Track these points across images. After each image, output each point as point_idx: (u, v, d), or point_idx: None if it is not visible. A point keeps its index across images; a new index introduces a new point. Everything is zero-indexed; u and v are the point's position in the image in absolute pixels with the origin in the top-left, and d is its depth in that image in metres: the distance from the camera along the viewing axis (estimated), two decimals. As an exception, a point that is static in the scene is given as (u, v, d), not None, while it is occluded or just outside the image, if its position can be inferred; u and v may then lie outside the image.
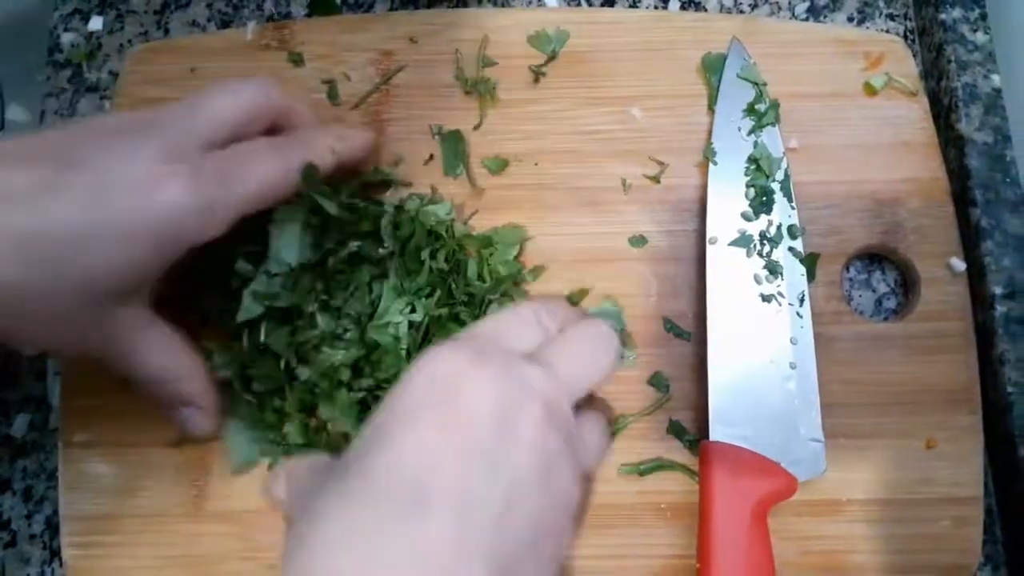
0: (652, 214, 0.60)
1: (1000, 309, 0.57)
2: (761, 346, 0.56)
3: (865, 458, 0.56)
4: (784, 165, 0.59)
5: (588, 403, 0.42)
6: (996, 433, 0.57)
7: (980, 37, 0.63)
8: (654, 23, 0.64)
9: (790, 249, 0.57)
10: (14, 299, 0.44)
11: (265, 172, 0.50)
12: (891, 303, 0.61)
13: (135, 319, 0.49)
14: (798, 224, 0.58)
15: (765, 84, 0.61)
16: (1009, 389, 0.56)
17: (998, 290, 0.57)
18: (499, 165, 0.61)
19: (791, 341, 0.56)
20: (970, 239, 0.59)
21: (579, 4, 0.68)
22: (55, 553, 0.57)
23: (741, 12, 0.68)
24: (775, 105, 0.61)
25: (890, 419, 0.57)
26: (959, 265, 0.59)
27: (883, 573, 0.55)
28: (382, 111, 0.62)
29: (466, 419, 0.36)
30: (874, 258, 0.62)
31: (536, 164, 0.61)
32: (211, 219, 0.48)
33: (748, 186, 0.59)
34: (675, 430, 0.57)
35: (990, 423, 0.57)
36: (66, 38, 0.67)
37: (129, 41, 0.67)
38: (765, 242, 0.57)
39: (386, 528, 0.34)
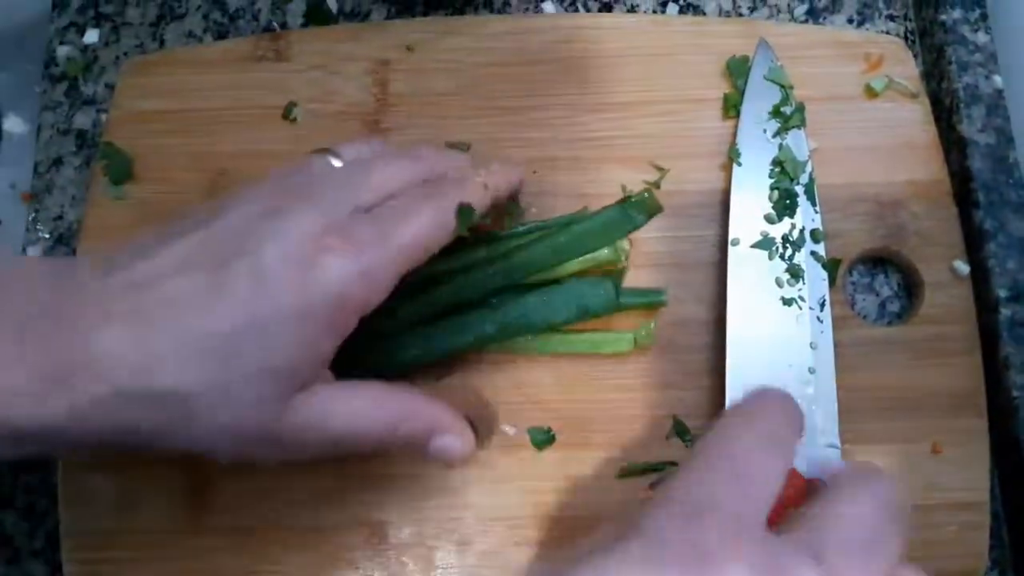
0: (654, 220, 0.60)
1: (1004, 312, 0.57)
2: (780, 350, 0.55)
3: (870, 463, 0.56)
4: (809, 168, 0.59)
5: None
6: (1002, 437, 0.57)
7: (981, 38, 0.63)
8: (653, 28, 0.64)
9: (812, 253, 0.57)
10: (197, 407, 0.43)
11: (420, 224, 0.47)
12: (895, 307, 0.61)
13: (320, 394, 0.46)
14: (821, 228, 0.58)
15: (792, 87, 0.61)
16: (1014, 393, 0.56)
17: (1002, 293, 0.57)
18: None
19: (811, 346, 0.55)
20: (973, 242, 0.59)
21: (577, 10, 0.68)
22: (57, 569, 0.57)
23: (740, 15, 0.67)
24: (801, 108, 0.60)
25: (895, 424, 0.56)
26: (963, 268, 0.58)
27: (890, 580, 0.54)
28: (380, 120, 0.62)
29: None
30: (877, 262, 0.61)
31: (535, 172, 0.61)
32: (374, 284, 0.46)
33: (772, 188, 0.58)
34: (679, 430, 0.56)
35: (996, 427, 0.56)
36: (62, 51, 0.67)
37: (125, 53, 0.67)
38: (788, 245, 0.57)
39: None
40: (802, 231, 0.57)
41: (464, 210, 0.50)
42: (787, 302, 0.56)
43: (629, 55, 0.63)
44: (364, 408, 0.47)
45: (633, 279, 0.59)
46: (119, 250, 0.46)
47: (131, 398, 0.42)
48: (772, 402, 0.44)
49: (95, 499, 0.56)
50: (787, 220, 0.58)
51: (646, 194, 0.55)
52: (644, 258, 0.59)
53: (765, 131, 0.60)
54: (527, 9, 0.68)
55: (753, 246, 0.57)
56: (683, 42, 0.63)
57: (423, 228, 0.48)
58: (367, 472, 0.56)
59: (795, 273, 0.57)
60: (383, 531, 0.55)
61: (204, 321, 0.42)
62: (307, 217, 0.45)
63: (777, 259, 0.57)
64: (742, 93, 0.61)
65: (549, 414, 0.57)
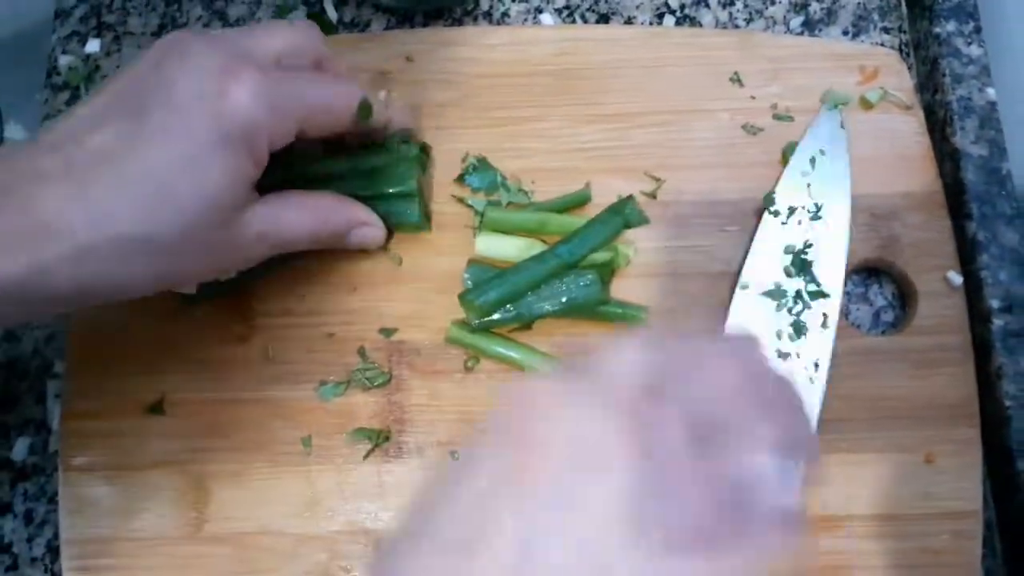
0: (650, 230, 0.60)
1: (997, 323, 0.57)
2: None
3: (864, 473, 0.56)
4: (845, 233, 0.59)
5: None
6: (995, 447, 0.57)
7: (975, 50, 0.63)
8: (650, 39, 0.65)
9: (824, 315, 0.57)
10: (152, 246, 0.46)
11: (325, 94, 0.52)
12: (889, 317, 0.61)
13: (262, 207, 0.51)
14: (840, 296, 0.58)
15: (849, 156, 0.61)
16: (1007, 403, 0.56)
17: (995, 304, 0.58)
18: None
19: None
20: (967, 253, 0.60)
21: (574, 21, 0.68)
22: (56, 576, 0.58)
23: (736, 27, 0.68)
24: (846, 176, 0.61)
25: (889, 433, 0.57)
26: (956, 279, 0.59)
27: (883, 588, 0.55)
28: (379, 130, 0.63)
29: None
30: (871, 272, 0.62)
31: (533, 182, 0.61)
32: (281, 118, 0.49)
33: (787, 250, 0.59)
34: None
35: (989, 437, 0.57)
36: (64, 60, 0.67)
37: (126, 62, 0.67)
38: (799, 301, 0.57)
39: None
40: (817, 292, 0.58)
41: (364, 104, 0.54)
42: (783, 355, 0.56)
43: (626, 67, 0.64)
44: (293, 215, 0.53)
45: (628, 288, 0.59)
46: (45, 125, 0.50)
47: (91, 249, 0.45)
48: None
49: (94, 506, 0.56)
50: (801, 278, 0.58)
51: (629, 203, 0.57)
52: (639, 268, 0.60)
53: (809, 185, 0.60)
54: (525, 21, 0.68)
55: (763, 294, 0.58)
56: (679, 54, 0.64)
57: (328, 96, 0.52)
58: (365, 480, 0.56)
59: (798, 329, 0.57)
60: (380, 537, 0.55)
61: (135, 165, 0.45)
62: (213, 53, 0.48)
63: (785, 311, 0.57)
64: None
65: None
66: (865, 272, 0.62)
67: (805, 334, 0.57)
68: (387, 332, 0.58)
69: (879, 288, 0.62)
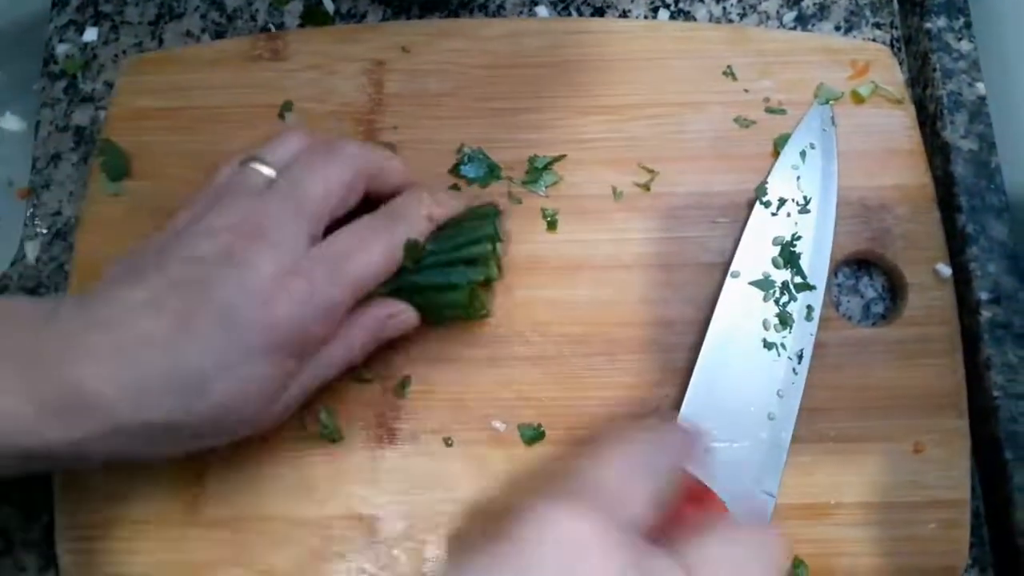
0: (643, 221, 0.61)
1: (985, 314, 0.58)
2: (747, 388, 0.56)
3: (853, 462, 0.57)
4: (830, 226, 0.60)
5: None
6: (982, 437, 0.58)
7: (965, 45, 0.64)
8: (643, 33, 0.65)
9: (808, 307, 0.58)
10: (185, 432, 0.48)
11: (370, 259, 0.52)
12: (879, 308, 0.62)
13: (296, 385, 0.52)
14: (823, 288, 0.58)
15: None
16: (995, 393, 0.57)
17: (983, 295, 0.58)
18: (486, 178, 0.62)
19: (777, 393, 0.56)
20: (956, 245, 0.60)
21: (570, 14, 0.69)
22: (51, 561, 0.58)
23: (730, 21, 0.69)
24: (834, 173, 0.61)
25: (878, 423, 0.57)
26: (945, 271, 0.59)
27: (871, 575, 0.55)
28: (375, 120, 0.63)
29: None
30: (862, 264, 0.62)
31: (527, 172, 0.62)
32: (330, 317, 0.50)
33: (776, 241, 0.59)
34: None
35: (976, 427, 0.57)
36: (61, 49, 0.68)
37: (124, 52, 0.68)
38: (786, 292, 0.58)
39: None
40: (803, 284, 0.58)
41: (411, 245, 0.53)
42: (768, 345, 0.57)
43: (620, 59, 0.64)
44: (332, 358, 0.53)
45: (622, 279, 0.60)
46: (94, 288, 0.50)
47: (126, 431, 0.46)
48: (648, 431, 0.45)
49: (90, 490, 0.56)
50: (788, 270, 0.59)
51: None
52: (632, 258, 0.60)
53: (799, 178, 0.61)
54: (521, 12, 0.69)
55: (752, 283, 0.58)
56: (673, 47, 0.65)
57: (372, 263, 0.52)
58: (359, 465, 0.57)
59: (784, 320, 0.57)
60: (374, 524, 0.56)
61: (178, 360, 0.46)
62: (265, 260, 0.48)
63: (772, 302, 0.58)
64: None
65: (538, 411, 0.58)
66: (855, 264, 0.62)
67: (790, 325, 0.57)
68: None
69: (869, 280, 0.62)
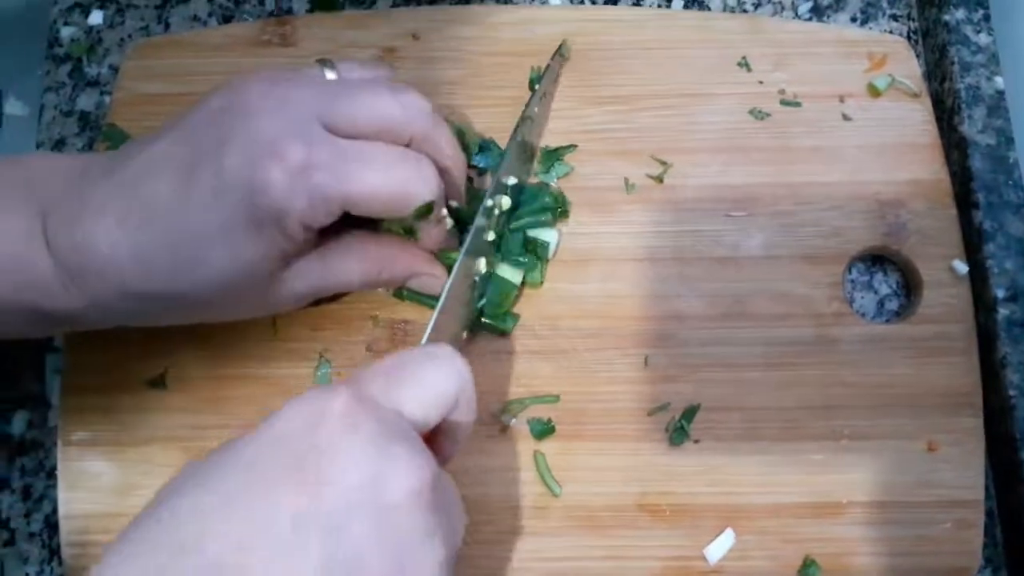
0: (655, 214, 0.60)
1: (1002, 312, 0.57)
2: None
3: (866, 460, 0.56)
4: None
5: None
6: (997, 436, 0.57)
7: (983, 38, 0.63)
8: (657, 21, 0.64)
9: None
10: (192, 298, 0.48)
11: (377, 182, 0.48)
12: (893, 305, 0.61)
13: (308, 265, 0.51)
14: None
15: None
16: (1010, 392, 0.56)
17: (1000, 293, 0.57)
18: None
19: None
20: (972, 241, 0.59)
21: (582, 2, 0.68)
22: (54, 552, 0.57)
23: (744, 11, 0.68)
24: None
25: (892, 421, 0.57)
26: (961, 268, 0.59)
27: (884, 575, 0.55)
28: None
29: (323, 490, 0.37)
30: (876, 260, 0.62)
31: (539, 162, 0.61)
32: (316, 206, 0.47)
33: None
34: (678, 439, 0.57)
35: (991, 426, 0.57)
36: (66, 32, 0.67)
37: (129, 36, 0.67)
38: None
39: None
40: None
41: (424, 207, 0.51)
42: None
43: (633, 48, 0.63)
44: (346, 266, 0.53)
45: (633, 272, 0.59)
46: (125, 146, 0.50)
47: (135, 296, 0.47)
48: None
49: (93, 481, 0.56)
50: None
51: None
52: (644, 252, 0.59)
53: None
54: (532, 0, 0.68)
55: None
56: (687, 36, 0.64)
57: (378, 187, 0.49)
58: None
59: None
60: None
61: (177, 225, 0.46)
62: (271, 121, 0.47)
63: None
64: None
65: (548, 405, 0.57)
66: (870, 259, 0.61)
67: None
68: (387, 315, 0.58)
69: (884, 276, 0.61)
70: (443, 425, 0.45)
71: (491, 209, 0.56)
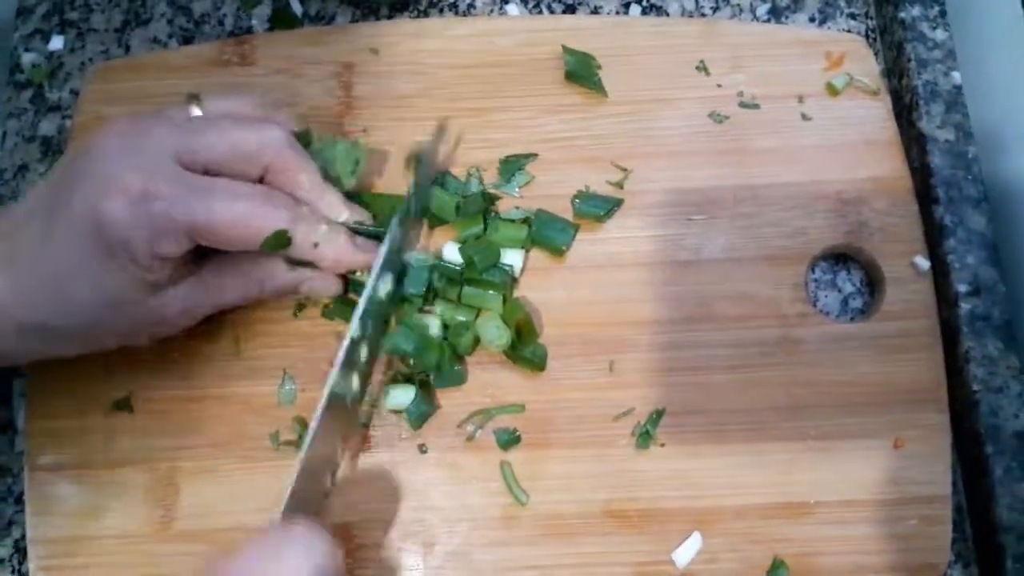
0: (617, 220, 0.60)
1: (964, 307, 0.57)
2: None
3: (833, 459, 0.56)
4: None
5: None
6: (963, 431, 0.57)
7: (940, 34, 0.63)
8: (614, 29, 0.64)
9: None
10: (76, 331, 0.51)
11: (226, 213, 0.50)
12: (857, 303, 0.61)
13: (183, 289, 0.53)
14: None
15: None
16: (975, 387, 0.56)
17: (962, 288, 0.57)
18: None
19: None
20: (934, 237, 0.59)
21: (541, 11, 0.68)
22: (25, 576, 0.57)
23: (703, 15, 0.68)
24: None
25: (857, 420, 0.57)
26: (923, 263, 0.59)
27: (853, 574, 0.55)
28: (345, 123, 0.62)
29: None
30: (840, 258, 0.62)
31: (500, 173, 0.61)
32: (160, 235, 0.49)
33: None
34: (644, 444, 0.57)
35: (957, 421, 0.57)
36: (27, 58, 0.67)
37: (90, 59, 0.67)
38: None
39: None
40: None
41: (278, 234, 0.51)
42: None
43: (591, 56, 0.63)
44: (224, 283, 0.55)
45: (596, 279, 0.59)
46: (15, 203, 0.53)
47: (30, 331, 0.50)
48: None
49: (62, 506, 0.56)
50: None
51: None
52: (606, 258, 0.59)
53: None
54: (491, 11, 0.68)
55: None
56: (644, 43, 0.64)
57: (222, 218, 0.50)
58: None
59: None
60: (348, 533, 0.55)
61: (44, 266, 0.49)
62: (120, 159, 0.48)
63: None
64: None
65: (514, 415, 0.57)
66: (833, 258, 0.62)
67: None
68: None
69: (847, 275, 0.61)
70: None
71: (356, 340, 0.54)
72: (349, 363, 0.53)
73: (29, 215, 0.49)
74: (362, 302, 0.53)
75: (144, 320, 0.52)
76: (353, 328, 0.53)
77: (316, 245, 0.54)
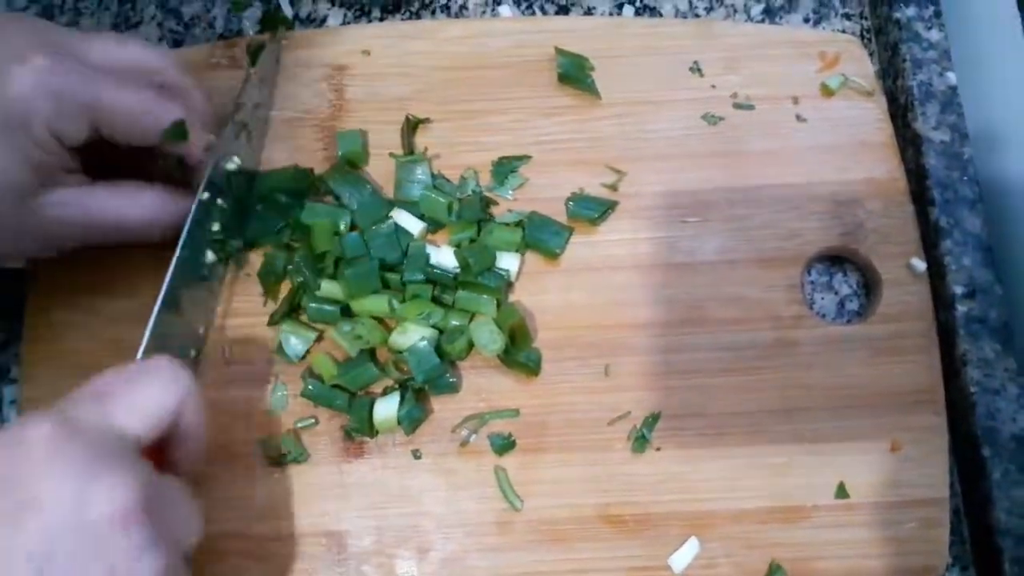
0: (611, 223, 0.60)
1: (961, 309, 0.57)
2: None
3: (829, 462, 0.56)
4: None
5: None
6: (960, 433, 0.57)
7: (935, 35, 0.63)
8: (609, 30, 0.64)
9: None
10: None
11: (131, 99, 0.50)
12: (853, 305, 0.61)
13: (66, 192, 0.51)
14: None
15: None
16: (972, 389, 0.56)
17: (959, 290, 0.57)
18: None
19: None
20: (930, 239, 0.59)
21: (533, 13, 0.68)
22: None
23: (697, 15, 0.67)
24: None
25: (854, 422, 0.56)
26: (920, 265, 0.58)
27: (851, 578, 0.55)
28: (336, 125, 0.62)
29: (30, 523, 0.37)
30: (836, 260, 0.61)
31: (493, 175, 0.61)
32: (62, 109, 0.48)
33: None
34: (639, 448, 0.56)
35: (954, 424, 0.57)
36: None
37: (80, 63, 0.66)
38: None
39: None
40: None
41: (178, 125, 0.52)
42: None
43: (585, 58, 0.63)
44: (119, 202, 0.53)
45: (591, 282, 0.59)
46: None
47: None
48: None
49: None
50: None
51: None
52: (601, 261, 0.59)
53: None
54: (483, 13, 0.67)
55: None
56: (638, 44, 0.63)
57: (130, 102, 0.50)
58: (327, 481, 0.55)
59: None
60: (342, 540, 0.55)
61: None
62: (26, 41, 0.48)
63: None
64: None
65: (509, 419, 0.56)
66: (828, 260, 0.61)
67: None
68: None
69: (843, 276, 0.61)
70: (173, 434, 0.46)
71: (207, 204, 0.56)
72: (199, 230, 0.55)
73: None
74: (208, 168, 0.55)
75: (41, 218, 0.50)
76: (200, 191, 0.55)
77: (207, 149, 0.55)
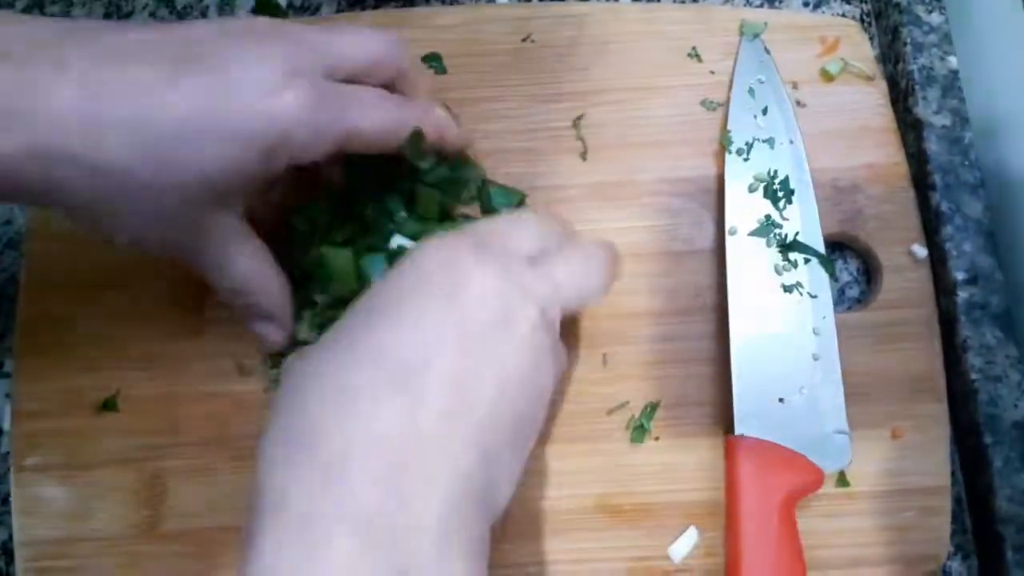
0: (609, 211, 0.59)
1: (962, 295, 0.56)
2: (783, 337, 0.55)
3: (830, 451, 0.55)
4: (802, 154, 0.59)
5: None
6: (962, 421, 0.56)
7: (935, 18, 0.62)
8: (604, 15, 0.63)
9: (803, 244, 0.57)
10: (119, 186, 0.44)
11: (379, 117, 0.49)
12: (854, 292, 0.60)
13: (229, 226, 0.49)
14: (816, 211, 0.58)
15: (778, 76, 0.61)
16: (973, 376, 0.55)
17: (960, 276, 0.57)
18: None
19: (813, 331, 0.55)
20: (931, 224, 0.59)
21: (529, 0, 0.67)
22: (12, 579, 0.57)
23: (695, 1, 0.67)
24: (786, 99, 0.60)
25: (855, 410, 0.55)
26: (921, 251, 0.58)
27: (851, 566, 0.54)
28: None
29: (469, 307, 0.41)
30: (836, 247, 0.61)
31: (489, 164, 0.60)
32: (317, 140, 0.47)
33: (758, 179, 0.58)
34: (638, 438, 0.56)
35: (955, 411, 0.56)
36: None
37: (72, 53, 0.66)
38: (781, 228, 0.57)
39: (380, 398, 0.38)
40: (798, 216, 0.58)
41: (415, 135, 0.51)
42: (787, 289, 0.56)
43: (582, 44, 0.63)
44: (248, 259, 0.51)
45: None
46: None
47: (71, 159, 0.43)
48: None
49: (48, 507, 0.55)
50: (784, 205, 0.58)
51: None
52: (600, 249, 0.58)
53: (755, 116, 0.60)
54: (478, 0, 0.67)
55: (751, 234, 0.57)
56: (636, 29, 0.63)
57: (379, 121, 0.49)
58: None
59: (792, 259, 0.56)
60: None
61: (155, 108, 0.44)
62: (283, 51, 0.46)
63: (774, 247, 0.57)
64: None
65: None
66: (829, 247, 0.60)
67: (799, 262, 0.57)
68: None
69: (843, 263, 0.61)
70: None
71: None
72: None
73: (144, 52, 0.45)
74: None
75: (195, 223, 0.48)
76: None
77: (442, 133, 0.54)
